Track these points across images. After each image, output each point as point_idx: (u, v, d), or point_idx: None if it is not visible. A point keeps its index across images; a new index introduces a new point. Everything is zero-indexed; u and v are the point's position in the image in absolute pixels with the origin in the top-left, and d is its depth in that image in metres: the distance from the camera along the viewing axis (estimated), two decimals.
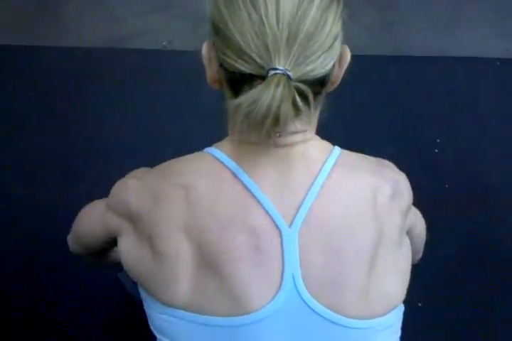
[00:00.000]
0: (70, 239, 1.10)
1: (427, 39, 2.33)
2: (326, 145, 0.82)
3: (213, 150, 0.80)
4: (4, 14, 2.29)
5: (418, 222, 1.00)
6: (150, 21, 2.31)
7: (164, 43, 2.25)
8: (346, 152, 0.82)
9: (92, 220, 0.96)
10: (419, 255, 1.14)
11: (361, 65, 2.08)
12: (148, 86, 2.11)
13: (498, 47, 2.31)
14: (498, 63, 2.27)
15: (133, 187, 0.81)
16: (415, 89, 2.16)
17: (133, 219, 0.80)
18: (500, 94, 2.19)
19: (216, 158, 0.78)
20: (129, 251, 0.82)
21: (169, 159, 0.84)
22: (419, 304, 1.64)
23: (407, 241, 0.86)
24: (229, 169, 0.77)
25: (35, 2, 2.31)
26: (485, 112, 2.13)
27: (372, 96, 2.13)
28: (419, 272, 1.61)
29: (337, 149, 0.81)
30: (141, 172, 0.86)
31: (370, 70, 2.14)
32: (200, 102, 1.90)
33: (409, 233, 0.91)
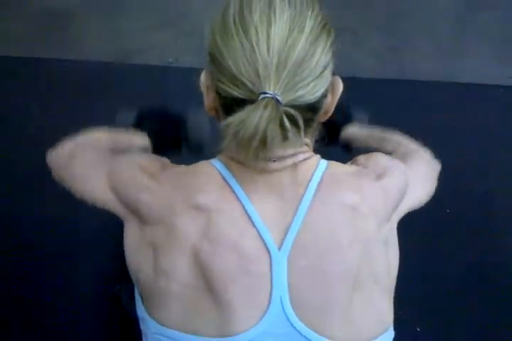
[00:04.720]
0: (61, 166, 0.99)
1: (430, 64, 2.35)
2: (313, 162, 0.82)
3: (217, 163, 0.81)
4: (13, 27, 2.31)
5: (416, 195, 0.97)
6: (157, 37, 2.33)
7: (170, 60, 2.26)
8: (331, 166, 0.83)
9: (94, 190, 0.88)
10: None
11: (365, 88, 2.11)
12: (153, 102, 2.12)
13: (501, 75, 2.33)
14: (501, 90, 2.28)
15: (147, 189, 0.80)
16: (418, 114, 2.17)
17: (141, 219, 0.80)
18: (502, 121, 2.20)
19: (219, 173, 0.79)
20: (133, 246, 0.81)
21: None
22: (418, 329, 1.62)
23: (394, 257, 0.85)
24: (229, 186, 0.78)
25: (44, 15, 2.34)
26: (487, 138, 2.13)
27: (375, 120, 2.13)
28: (418, 296, 1.60)
29: (322, 165, 0.82)
30: (154, 167, 0.84)
31: (373, 94, 2.15)
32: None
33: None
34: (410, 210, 0.93)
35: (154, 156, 0.90)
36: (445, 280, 1.73)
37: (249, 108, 0.67)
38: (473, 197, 1.96)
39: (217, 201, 0.77)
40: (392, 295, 0.83)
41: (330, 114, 0.83)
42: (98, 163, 0.92)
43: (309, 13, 0.74)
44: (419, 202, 0.99)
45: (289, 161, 0.79)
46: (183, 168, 0.84)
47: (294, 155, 0.79)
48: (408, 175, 0.90)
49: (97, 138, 1.05)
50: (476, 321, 1.69)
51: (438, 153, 2.05)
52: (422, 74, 2.30)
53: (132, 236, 0.82)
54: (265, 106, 0.66)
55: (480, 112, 2.21)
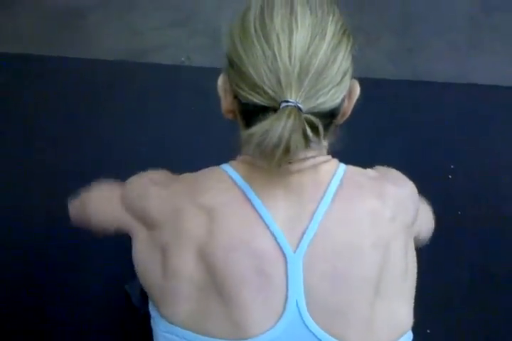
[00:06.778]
0: (78, 211, 1.05)
1: (445, 65, 2.33)
2: (332, 165, 0.82)
3: (228, 168, 0.80)
4: (27, 25, 2.32)
5: (423, 226, 0.97)
6: (169, 36, 2.33)
7: (183, 59, 2.26)
8: (350, 170, 0.82)
9: (107, 214, 0.95)
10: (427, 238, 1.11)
11: (378, 89, 2.11)
12: (165, 101, 2.12)
13: None
14: None
15: (156, 196, 0.81)
16: (431, 115, 2.16)
17: (151, 225, 0.80)
18: None
19: (230, 177, 0.79)
20: (141, 253, 0.82)
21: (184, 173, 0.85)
22: (428, 331, 1.61)
23: (412, 261, 0.84)
24: (240, 189, 0.77)
25: (57, 13, 2.35)
26: (500, 140, 2.12)
27: (388, 121, 2.12)
28: (428, 298, 1.59)
29: (341, 169, 0.81)
30: (163, 178, 0.86)
31: (387, 94, 2.14)
32: (216, 118, 1.90)
33: (414, 238, 0.90)
34: (417, 237, 0.92)
35: (164, 170, 0.90)
36: (455, 282, 1.72)
37: (272, 117, 0.67)
38: (485, 199, 1.95)
39: (226, 202, 0.77)
40: (412, 299, 0.82)
41: (347, 116, 0.83)
42: (109, 195, 0.96)
43: (330, 18, 0.73)
44: (425, 232, 0.99)
45: (310, 163, 0.78)
46: (192, 173, 0.84)
47: (314, 157, 0.79)
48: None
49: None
50: (487, 324, 1.68)
51: (450, 154, 2.05)
52: (435, 75, 2.29)
53: (141, 246, 0.82)
54: (288, 116, 0.66)
55: (493, 113, 2.19)
